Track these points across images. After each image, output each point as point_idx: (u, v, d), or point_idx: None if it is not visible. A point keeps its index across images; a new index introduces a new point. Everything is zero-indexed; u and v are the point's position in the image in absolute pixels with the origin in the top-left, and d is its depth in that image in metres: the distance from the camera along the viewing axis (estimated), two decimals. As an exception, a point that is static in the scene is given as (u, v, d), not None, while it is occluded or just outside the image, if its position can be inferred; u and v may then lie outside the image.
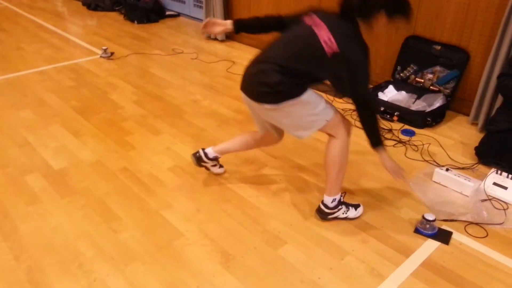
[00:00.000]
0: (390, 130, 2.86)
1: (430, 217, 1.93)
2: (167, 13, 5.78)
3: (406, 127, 2.91)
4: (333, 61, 1.73)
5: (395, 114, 2.96)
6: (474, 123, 2.95)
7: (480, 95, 2.85)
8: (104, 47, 4.23)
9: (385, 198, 2.20)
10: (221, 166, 2.37)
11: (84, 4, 6.37)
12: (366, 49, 1.77)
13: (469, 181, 2.21)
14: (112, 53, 4.29)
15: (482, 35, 2.85)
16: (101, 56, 4.21)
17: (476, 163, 2.48)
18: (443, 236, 1.94)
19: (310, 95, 1.83)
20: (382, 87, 3.27)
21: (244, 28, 2.00)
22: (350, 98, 1.82)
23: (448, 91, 3.05)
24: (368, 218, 2.05)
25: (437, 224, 1.98)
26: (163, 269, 1.75)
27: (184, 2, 5.74)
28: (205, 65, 4.03)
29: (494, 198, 2.18)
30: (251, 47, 4.57)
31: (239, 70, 3.91)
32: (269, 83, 1.78)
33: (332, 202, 1.98)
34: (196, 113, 3.08)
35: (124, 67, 3.97)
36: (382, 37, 3.39)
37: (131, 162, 2.47)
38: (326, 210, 2.00)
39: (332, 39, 1.72)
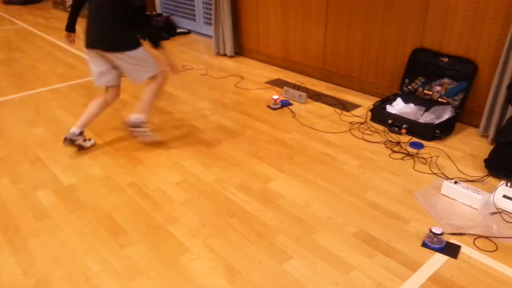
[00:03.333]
0: (398, 143, 2.84)
1: (437, 230, 1.91)
2: (178, 30, 5.88)
3: (415, 139, 2.89)
4: None
5: (403, 126, 2.94)
6: (484, 135, 2.91)
7: (489, 106, 2.81)
8: (116, 65, 4.31)
9: (392, 212, 2.18)
10: (89, 139, 2.84)
11: (98, 23, 6.54)
12: None
13: (478, 194, 2.17)
14: (123, 70, 4.37)
15: (489, 45, 2.84)
16: (113, 73, 4.30)
17: (485, 176, 2.45)
18: (451, 250, 1.91)
19: None
20: (390, 99, 3.26)
21: (71, 23, 2.90)
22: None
23: (456, 103, 3.03)
24: (375, 232, 2.03)
25: (445, 238, 1.96)
26: (168, 285, 1.75)
27: (194, 20, 5.85)
28: (214, 81, 4.08)
29: (504, 211, 2.15)
30: (260, 62, 4.61)
31: (248, 85, 3.95)
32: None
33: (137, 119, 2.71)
34: (205, 128, 3.11)
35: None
36: (389, 50, 3.40)
37: (139, 177, 2.50)
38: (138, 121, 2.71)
39: None
